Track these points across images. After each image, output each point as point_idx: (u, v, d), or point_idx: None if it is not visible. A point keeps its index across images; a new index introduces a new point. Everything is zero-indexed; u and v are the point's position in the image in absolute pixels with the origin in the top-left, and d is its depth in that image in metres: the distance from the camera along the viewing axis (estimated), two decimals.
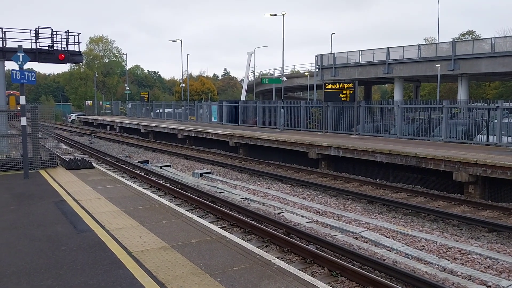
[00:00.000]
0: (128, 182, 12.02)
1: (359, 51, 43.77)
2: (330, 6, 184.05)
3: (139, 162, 19.97)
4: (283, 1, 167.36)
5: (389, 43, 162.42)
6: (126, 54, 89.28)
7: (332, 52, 48.26)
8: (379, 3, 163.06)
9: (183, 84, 58.52)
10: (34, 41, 19.12)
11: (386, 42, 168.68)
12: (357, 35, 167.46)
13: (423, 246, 8.63)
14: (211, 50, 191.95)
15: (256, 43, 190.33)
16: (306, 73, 59.24)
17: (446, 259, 7.93)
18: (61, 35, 19.70)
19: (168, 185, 14.12)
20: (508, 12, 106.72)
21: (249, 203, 12.28)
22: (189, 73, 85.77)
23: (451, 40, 45.74)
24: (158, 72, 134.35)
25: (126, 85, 69.84)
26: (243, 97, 57.63)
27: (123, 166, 18.19)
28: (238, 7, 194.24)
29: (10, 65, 48.46)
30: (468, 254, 8.12)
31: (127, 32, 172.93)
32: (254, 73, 74.80)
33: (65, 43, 19.75)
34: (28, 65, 16.74)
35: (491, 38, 35.32)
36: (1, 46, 18.11)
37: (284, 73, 38.32)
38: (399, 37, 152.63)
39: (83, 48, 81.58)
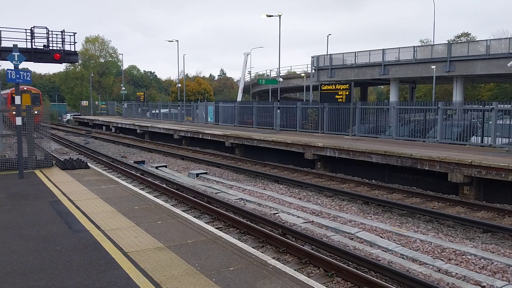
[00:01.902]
0: (124, 183, 11.99)
1: (355, 52, 43.89)
2: (324, 7, 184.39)
3: (134, 162, 19.93)
4: (277, 2, 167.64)
5: (384, 45, 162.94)
6: (122, 54, 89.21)
7: (328, 53, 48.35)
8: (373, 5, 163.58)
9: (179, 85, 58.44)
10: (30, 40, 19.04)
11: (381, 43, 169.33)
12: (351, 36, 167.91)
13: (418, 246, 8.67)
14: (207, 50, 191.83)
15: (252, 44, 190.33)
16: (302, 74, 59.34)
17: (441, 259, 7.97)
18: (56, 34, 19.63)
19: (164, 185, 14.10)
20: (502, 14, 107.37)
21: (245, 204, 12.28)
22: (185, 74, 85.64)
23: (447, 42, 45.96)
24: (154, 72, 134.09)
25: (122, 85, 69.64)
26: (239, 98, 57.67)
27: (118, 166, 18.15)
28: (233, 8, 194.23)
29: (5, 65, 46.91)
30: (462, 255, 8.17)
31: (122, 32, 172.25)
32: (250, 74, 74.82)
33: (61, 42, 19.67)
34: (23, 65, 16.57)
35: (486, 40, 35.55)
36: None
37: (280, 74, 38.41)
38: (394, 38, 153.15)
39: (79, 48, 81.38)
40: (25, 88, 34.61)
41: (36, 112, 30.18)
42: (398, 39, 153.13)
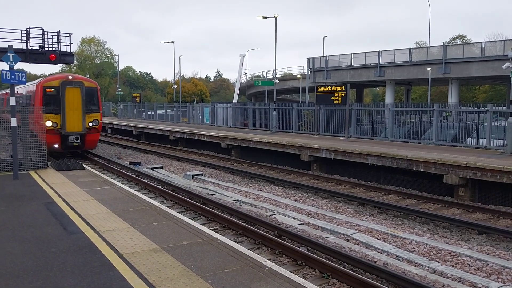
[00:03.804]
0: (119, 184, 11.94)
1: (351, 54, 43.99)
2: (318, 9, 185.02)
3: (130, 163, 19.86)
4: (268, 5, 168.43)
5: (376, 47, 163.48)
6: (118, 55, 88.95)
7: (324, 55, 48.45)
8: (363, 7, 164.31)
9: (175, 86, 58.37)
10: (25, 41, 19.00)
11: (374, 46, 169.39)
12: (344, 38, 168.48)
13: (413, 248, 8.69)
14: (203, 52, 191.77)
15: (248, 46, 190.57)
16: (298, 76, 59.43)
17: (437, 261, 7.99)
18: (52, 35, 19.60)
19: (159, 187, 14.06)
20: (496, 17, 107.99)
21: (241, 205, 12.26)
22: (181, 75, 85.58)
23: (442, 44, 46.15)
24: (150, 73, 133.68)
25: (117, 86, 69.47)
26: (235, 99, 57.69)
27: (114, 167, 18.08)
28: (227, 10, 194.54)
29: (1, 65, 46.21)
30: (458, 256, 8.19)
31: (116, 34, 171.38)
32: (246, 75, 74.89)
33: (56, 43, 19.64)
34: (19, 65, 14.50)
35: (481, 42, 35.70)
36: None
37: (276, 76, 38.43)
38: (386, 41, 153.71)
39: (74, 48, 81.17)
40: (70, 78, 19.31)
41: (91, 124, 18.91)
42: (390, 42, 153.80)
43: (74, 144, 17.38)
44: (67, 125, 17.47)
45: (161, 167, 19.15)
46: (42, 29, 19.29)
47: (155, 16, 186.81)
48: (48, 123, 13.63)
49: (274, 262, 7.30)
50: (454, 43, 56.29)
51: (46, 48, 19.36)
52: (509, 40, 34.24)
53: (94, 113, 19.33)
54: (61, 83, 18.42)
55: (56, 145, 13.57)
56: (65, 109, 17.40)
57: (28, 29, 19.08)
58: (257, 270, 5.59)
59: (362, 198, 12.98)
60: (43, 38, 19.27)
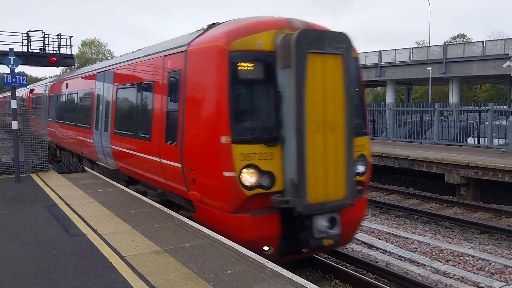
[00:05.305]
0: (121, 186, 11.93)
1: None
2: (317, 9, 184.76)
3: None
4: (271, 4, 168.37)
5: (379, 47, 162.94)
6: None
7: None
8: (368, 6, 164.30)
9: None
10: (26, 44, 19.05)
11: (376, 45, 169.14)
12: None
13: (416, 248, 8.67)
14: None
15: None
16: None
17: (439, 261, 7.97)
18: (53, 38, 19.67)
19: None
20: (498, 16, 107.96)
21: None
22: None
23: (443, 44, 46.11)
24: None
25: None
26: None
27: None
28: (228, 10, 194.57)
29: (1, 68, 46.28)
30: (460, 256, 8.17)
31: (116, 35, 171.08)
32: None
33: (57, 46, 19.71)
34: (20, 68, 13.97)
35: (482, 41, 35.71)
36: None
37: None
38: (390, 40, 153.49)
39: (75, 51, 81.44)
40: (302, 27, 6.49)
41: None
42: (390, 41, 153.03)
43: (325, 240, 6.36)
44: (311, 183, 6.16)
45: None
46: (42, 32, 19.37)
47: (154, 17, 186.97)
48: (248, 177, 6.02)
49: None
50: (455, 43, 56.25)
51: (46, 51, 19.43)
52: (509, 39, 34.21)
53: (359, 135, 7.38)
54: (290, 41, 6.25)
55: (266, 248, 6.18)
56: (305, 129, 6.06)
57: (28, 32, 19.13)
58: (259, 271, 5.58)
59: None
60: (43, 41, 19.35)
